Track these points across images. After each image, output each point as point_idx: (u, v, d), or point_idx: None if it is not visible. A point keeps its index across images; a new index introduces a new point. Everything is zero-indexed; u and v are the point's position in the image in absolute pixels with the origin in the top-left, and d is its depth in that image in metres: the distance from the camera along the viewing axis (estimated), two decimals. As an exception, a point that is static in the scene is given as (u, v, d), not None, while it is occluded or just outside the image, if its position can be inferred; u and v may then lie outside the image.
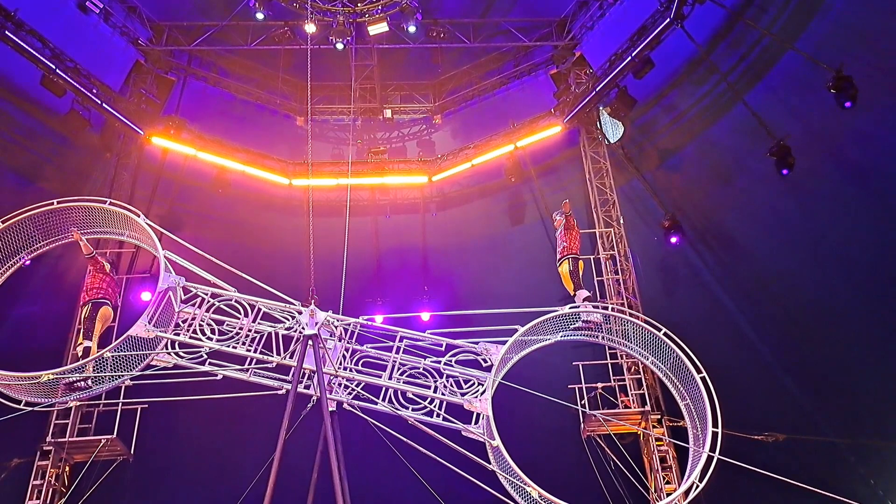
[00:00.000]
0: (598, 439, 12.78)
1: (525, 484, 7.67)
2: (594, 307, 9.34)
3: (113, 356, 8.06)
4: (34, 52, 13.59)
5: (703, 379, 8.36)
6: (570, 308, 9.11)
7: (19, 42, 13.36)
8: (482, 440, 8.09)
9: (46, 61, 13.76)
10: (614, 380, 13.49)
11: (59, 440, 12.55)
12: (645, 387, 13.42)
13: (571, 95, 16.45)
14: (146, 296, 12.68)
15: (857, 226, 13.93)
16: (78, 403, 11.90)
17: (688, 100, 15.84)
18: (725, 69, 14.83)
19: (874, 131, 13.24)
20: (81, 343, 8.50)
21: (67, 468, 12.73)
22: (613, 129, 16.42)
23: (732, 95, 14.73)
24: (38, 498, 12.21)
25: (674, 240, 15.15)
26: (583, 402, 12.57)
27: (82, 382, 8.08)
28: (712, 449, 7.93)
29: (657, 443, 13.14)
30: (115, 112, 15.05)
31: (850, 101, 12.33)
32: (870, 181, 13.62)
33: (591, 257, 14.75)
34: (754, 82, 14.66)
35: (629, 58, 14.88)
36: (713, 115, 15.49)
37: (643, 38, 14.63)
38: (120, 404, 12.39)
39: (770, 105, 14.17)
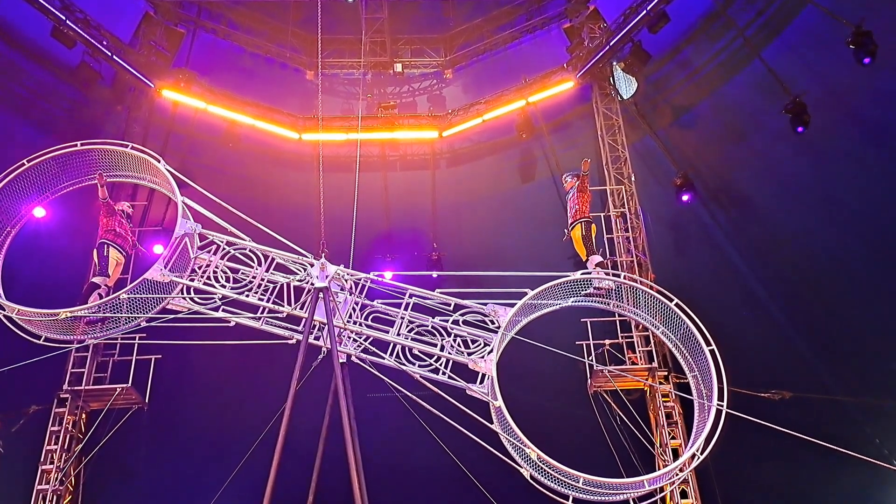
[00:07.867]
0: (605, 395, 12.94)
1: (525, 446, 7.76)
2: (606, 274, 9.28)
3: (129, 298, 8.20)
4: (44, 2, 13.46)
5: (711, 352, 8.32)
6: (582, 274, 9.07)
7: (29, -8, 13.29)
8: (486, 400, 8.18)
9: (56, 12, 13.63)
10: (622, 336, 13.58)
11: (76, 388, 12.90)
12: (652, 343, 13.49)
13: (584, 50, 16.19)
14: (158, 248, 12.76)
15: (872, 185, 13.75)
16: (94, 344, 12.17)
17: (703, 55, 15.54)
18: (742, 24, 14.53)
19: (894, 89, 12.99)
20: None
21: (84, 415, 13.11)
22: (627, 85, 16.19)
23: (749, 51, 14.46)
24: (56, 443, 12.58)
25: (685, 198, 15.04)
26: (590, 357, 12.65)
27: (99, 323, 8.31)
28: (714, 426, 7.93)
29: (663, 399, 13.28)
30: (125, 64, 14.94)
31: (869, 57, 12.06)
32: (887, 140, 13.42)
33: (602, 215, 14.70)
34: (771, 37, 14.35)
35: (644, 12, 14.55)
36: (728, 71, 15.21)
37: (659, -9, 14.34)
38: (135, 351, 12.73)
39: (787, 61, 13.90)
